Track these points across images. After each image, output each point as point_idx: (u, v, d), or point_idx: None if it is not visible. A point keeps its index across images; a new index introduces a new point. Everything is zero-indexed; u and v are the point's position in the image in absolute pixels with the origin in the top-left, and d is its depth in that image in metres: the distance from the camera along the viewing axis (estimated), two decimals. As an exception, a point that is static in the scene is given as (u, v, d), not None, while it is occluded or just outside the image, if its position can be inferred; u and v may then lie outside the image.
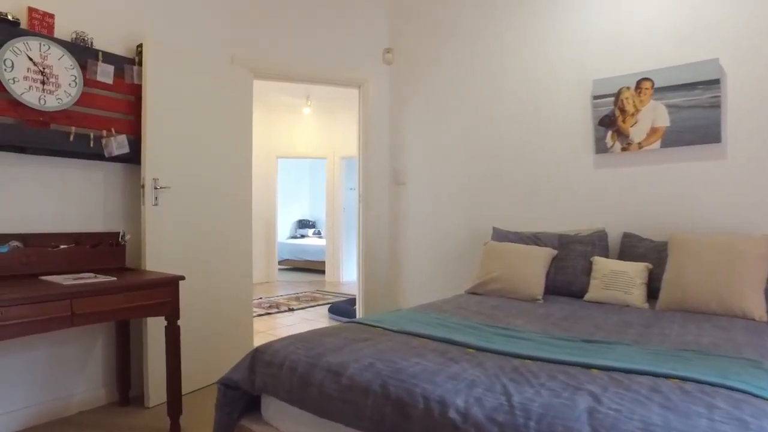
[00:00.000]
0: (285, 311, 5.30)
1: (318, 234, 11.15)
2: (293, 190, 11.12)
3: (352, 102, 6.92)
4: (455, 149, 3.35)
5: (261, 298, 6.04)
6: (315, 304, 5.72)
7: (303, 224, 11.13)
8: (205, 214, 2.91)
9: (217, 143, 3.00)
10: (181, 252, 2.72)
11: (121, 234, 2.53)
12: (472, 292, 2.70)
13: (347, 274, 7.94)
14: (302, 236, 10.82)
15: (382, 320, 1.89)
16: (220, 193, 3.04)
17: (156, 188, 2.57)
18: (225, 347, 3.00)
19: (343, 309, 5.00)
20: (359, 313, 3.66)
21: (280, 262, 9.33)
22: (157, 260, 2.57)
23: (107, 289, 1.98)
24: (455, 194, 3.35)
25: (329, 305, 5.56)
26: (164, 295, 2.19)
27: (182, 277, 2.24)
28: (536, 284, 2.54)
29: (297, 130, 7.71)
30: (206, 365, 2.87)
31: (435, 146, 3.45)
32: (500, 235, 2.95)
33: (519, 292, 2.55)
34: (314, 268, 8.86)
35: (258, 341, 3.44)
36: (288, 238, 10.83)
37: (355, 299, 5.51)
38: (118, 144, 2.52)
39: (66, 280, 2.00)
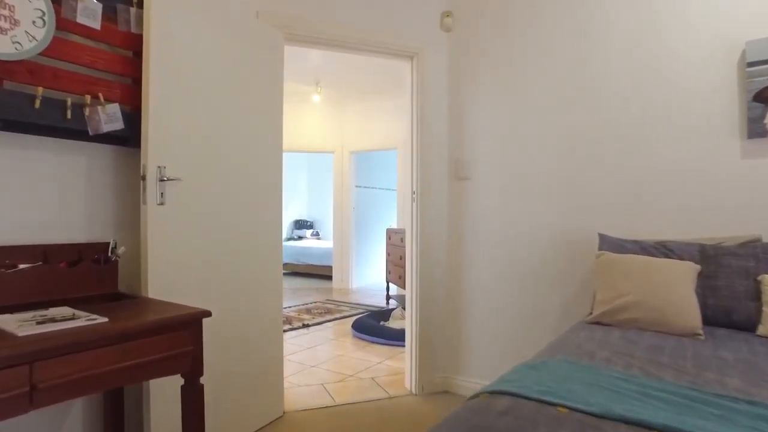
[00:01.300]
0: (299, 327, 4.55)
1: (316, 235, 10.38)
2: (290, 187, 10.32)
3: (367, 89, 6.20)
4: (538, 135, 2.64)
5: (267, 311, 5.27)
6: (331, 317, 4.98)
7: (300, 225, 10.35)
8: (229, 215, 2.16)
9: (243, 122, 2.25)
10: (197, 269, 1.97)
11: (111, 246, 1.77)
12: (596, 322, 1.99)
13: (357, 281, 7.20)
14: (300, 238, 10.04)
15: (555, 392, 1.17)
16: (249, 188, 2.30)
17: (162, 180, 1.81)
18: (252, 388, 2.26)
19: (368, 326, 4.26)
20: (412, 343, 2.93)
21: (279, 267, 8.54)
22: (163, 282, 1.81)
23: (93, 341, 1.22)
24: (537, 192, 2.64)
25: (348, 318, 4.83)
26: (182, 342, 1.43)
27: (208, 313, 1.50)
28: (691, 313, 1.85)
29: (302, 122, 6.94)
30: (230, 416, 2.12)
31: (509, 132, 2.74)
32: (612, 245, 2.25)
33: (670, 324, 1.85)
34: (318, 273, 8.10)
35: (287, 373, 2.68)
36: (285, 240, 10.03)
37: (377, 312, 4.79)
38: (108, 117, 1.76)
39: (23, 326, 1.24)
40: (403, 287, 5.15)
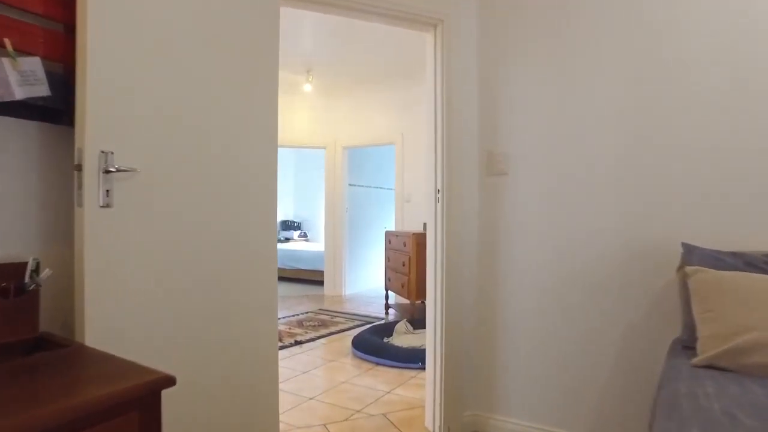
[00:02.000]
0: (291, 345, 3.99)
1: (304, 237, 9.80)
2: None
3: (363, 78, 5.65)
4: (596, 119, 2.13)
5: (253, 324, 4.69)
6: (326, 332, 4.42)
7: (287, 226, 9.77)
8: (205, 223, 1.59)
9: (228, 96, 1.69)
10: (158, 300, 1.40)
11: (31, 267, 1.20)
12: (709, 366, 1.48)
13: (351, 287, 6.65)
14: (287, 240, 9.45)
15: None
16: (235, 187, 1.74)
17: (108, 172, 1.25)
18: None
19: (371, 344, 3.72)
20: (435, 373, 2.39)
21: (265, 271, 7.94)
22: (108, 322, 1.25)
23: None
24: (595, 189, 2.13)
25: (345, 333, 4.28)
26: (129, 425, 0.88)
27: (170, 381, 0.94)
28: None
29: (291, 114, 6.36)
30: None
31: (557, 116, 2.22)
32: (704, 258, 1.75)
33: (820, 373, 1.35)
34: (307, 278, 7.52)
35: (281, 409, 2.08)
36: (272, 242, 9.43)
37: (379, 327, 4.23)
38: (24, 77, 1.19)
39: None
40: (407, 297, 4.63)
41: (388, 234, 5.22)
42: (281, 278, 7.90)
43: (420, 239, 4.48)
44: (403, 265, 4.61)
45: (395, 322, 4.28)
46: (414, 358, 3.41)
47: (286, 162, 10.04)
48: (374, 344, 3.72)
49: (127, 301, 1.31)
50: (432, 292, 2.45)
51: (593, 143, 2.14)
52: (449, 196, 2.37)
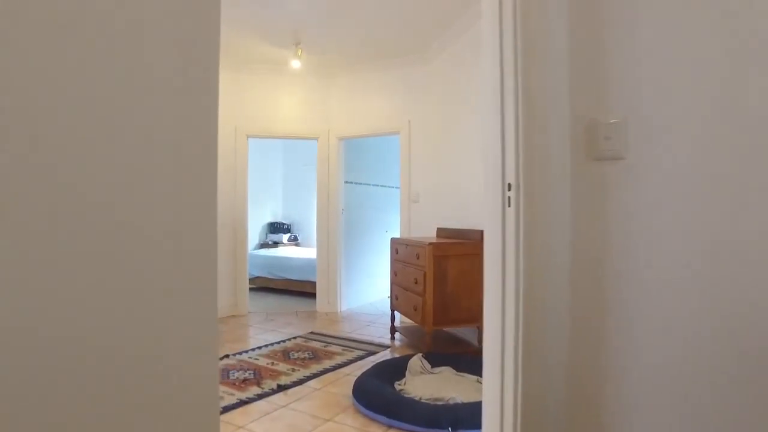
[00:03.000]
0: (272, 392, 3.02)
1: (295, 240, 8.83)
2: (262, 182, 8.73)
3: (362, 54, 4.42)
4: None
5: (228, 357, 3.72)
6: (318, 368, 3.46)
7: (276, 228, 8.80)
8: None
9: None
10: None
11: None
12: None
13: (348, 301, 5.69)
14: (275, 244, 8.48)
15: None
16: (121, 158, 0.76)
17: None
18: None
19: (378, 394, 2.76)
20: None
21: (249, 281, 6.97)
22: None
23: None
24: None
25: (342, 369, 3.28)
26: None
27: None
28: None
29: (276, 98, 5.39)
30: None
31: (720, 61, 1.28)
32: None
33: None
34: (298, 290, 6.55)
35: None
36: (256, 247, 8.46)
37: (387, 365, 3.17)
38: None
39: None
40: (420, 323, 3.67)
41: (394, 242, 4.26)
42: (267, 289, 6.92)
43: (440, 251, 3.53)
44: (416, 282, 3.66)
45: (406, 358, 3.32)
46: (440, 419, 2.46)
47: (272, 155, 9.06)
48: (383, 395, 2.76)
49: None
50: (496, 342, 1.49)
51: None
52: (525, 195, 1.41)
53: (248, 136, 5.31)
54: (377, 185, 6.37)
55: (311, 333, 4.50)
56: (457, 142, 4.30)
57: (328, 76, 5.44)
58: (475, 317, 3.63)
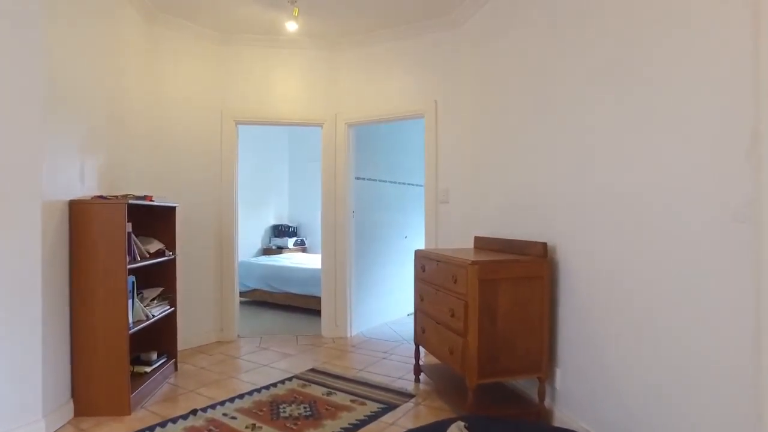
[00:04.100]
0: (244, 488, 2.02)
1: (302, 245, 7.86)
2: (266, 180, 7.77)
3: (377, 21, 3.79)
4: None
5: (194, 414, 2.73)
6: (317, 438, 2.45)
7: (280, 231, 7.84)
8: None
9: None
10: None
11: None
12: None
13: (360, 324, 4.67)
14: (279, 249, 7.52)
15: None
16: None
17: None
18: None
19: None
20: None
21: (244, 294, 6.01)
22: None
23: None
24: None
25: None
26: None
27: None
28: None
29: (271, 77, 4.40)
30: None
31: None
32: None
33: None
34: (300, 305, 5.56)
35: None
36: (257, 254, 7.50)
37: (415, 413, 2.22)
38: None
39: None
40: (458, 370, 2.62)
41: (420, 256, 3.23)
42: (264, 304, 5.94)
43: (489, 272, 2.49)
44: (452, 315, 2.63)
45: (440, 426, 2.29)
46: None
47: (276, 150, 8.08)
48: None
49: None
50: None
51: None
52: None
53: (237, 122, 4.33)
54: (395, 182, 5.34)
55: (312, 371, 3.50)
56: (504, 126, 3.25)
57: (333, 47, 4.44)
58: (536, 364, 2.59)
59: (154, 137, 3.81)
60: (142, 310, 2.98)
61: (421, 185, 5.70)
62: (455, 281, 2.61)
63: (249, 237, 7.36)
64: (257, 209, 7.57)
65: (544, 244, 2.65)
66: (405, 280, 5.42)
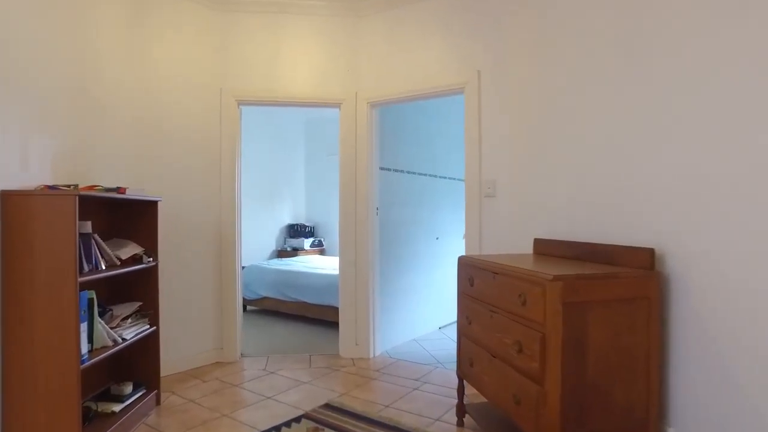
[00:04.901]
0: None
1: (319, 246, 7.19)
2: (281, 175, 7.11)
3: None
4: None
5: (168, 476, 2.03)
6: None
7: (296, 232, 7.18)
8: None
9: None
10: None
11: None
12: None
13: (384, 341, 3.95)
14: (294, 250, 6.87)
15: None
16: None
17: None
18: None
19: None
20: None
21: (252, 303, 5.36)
22: None
23: None
24: None
25: None
26: None
27: None
28: None
29: (280, 49, 3.71)
30: None
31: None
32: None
33: None
34: (316, 316, 4.86)
35: None
36: (271, 257, 6.87)
37: None
38: None
39: None
40: (527, 425, 1.87)
41: (467, 265, 2.48)
42: (275, 313, 5.26)
43: (576, 293, 1.73)
44: (519, 350, 1.88)
45: None
46: None
47: (290, 137, 7.42)
48: None
49: None
50: None
51: None
52: None
53: (240, 102, 3.64)
54: (424, 174, 4.60)
55: (326, 407, 2.78)
56: (577, 96, 2.49)
57: (353, 12, 3.72)
58: (640, 424, 1.82)
59: (138, 119, 3.14)
60: (108, 333, 2.31)
61: (454, 178, 4.95)
62: (524, 303, 1.86)
63: (262, 238, 6.72)
64: (271, 207, 6.92)
65: (651, 251, 1.88)
66: (436, 288, 4.68)
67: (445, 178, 4.84)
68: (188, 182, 3.42)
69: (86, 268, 2.17)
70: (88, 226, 2.20)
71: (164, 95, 3.28)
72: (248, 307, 5.48)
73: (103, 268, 2.32)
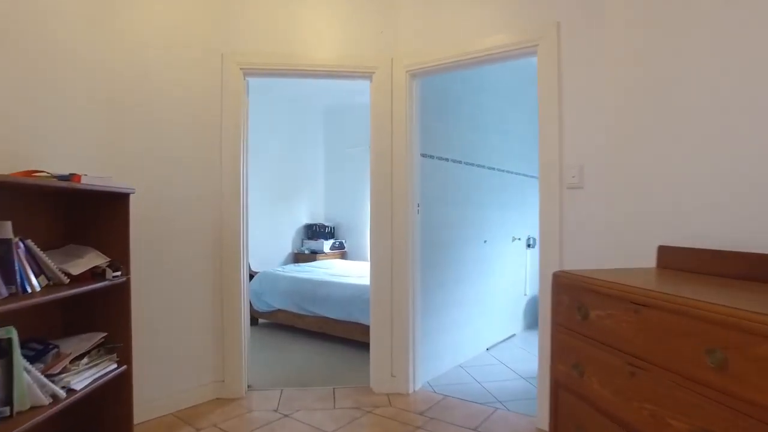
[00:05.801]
0: None
1: (340, 248, 6.45)
2: (298, 171, 6.38)
3: None
4: None
5: None
6: None
7: (314, 233, 6.45)
8: None
9: None
10: None
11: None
12: None
13: (426, 371, 3.16)
14: (313, 253, 6.14)
15: None
16: None
17: None
18: None
19: None
20: None
21: (264, 316, 4.63)
22: None
23: None
24: None
25: None
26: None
27: None
28: None
29: (296, 6, 2.95)
30: None
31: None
32: None
33: None
34: (339, 334, 4.10)
35: None
36: (286, 262, 6.15)
37: None
38: None
39: None
40: None
41: (575, 288, 1.66)
42: (292, 329, 4.50)
43: None
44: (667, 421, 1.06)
45: None
46: None
47: (310, 133, 6.69)
48: None
49: None
50: None
51: None
52: None
53: (245, 72, 2.89)
54: (472, 164, 3.79)
55: (360, 477, 2.01)
56: (727, 42, 1.67)
57: (390, -42, 2.95)
58: None
59: (109, 91, 2.41)
60: (41, 386, 1.56)
61: (511, 171, 4.15)
62: (722, 366, 1.05)
63: (276, 239, 6.00)
64: (286, 205, 6.20)
65: None
66: (483, 302, 3.88)
67: (499, 170, 4.03)
68: (177, 174, 2.68)
69: (3, 292, 1.43)
70: (6, 229, 1.47)
71: (145, 63, 2.54)
72: (260, 321, 4.74)
73: (38, 289, 1.58)
